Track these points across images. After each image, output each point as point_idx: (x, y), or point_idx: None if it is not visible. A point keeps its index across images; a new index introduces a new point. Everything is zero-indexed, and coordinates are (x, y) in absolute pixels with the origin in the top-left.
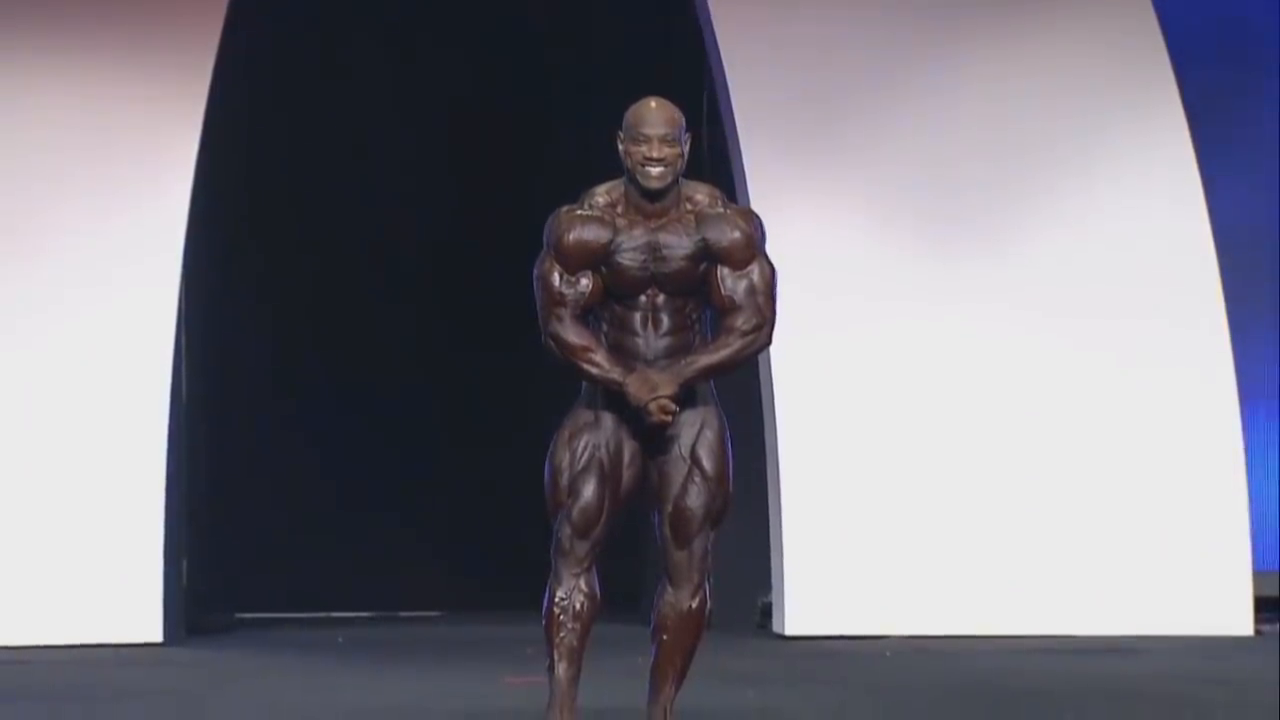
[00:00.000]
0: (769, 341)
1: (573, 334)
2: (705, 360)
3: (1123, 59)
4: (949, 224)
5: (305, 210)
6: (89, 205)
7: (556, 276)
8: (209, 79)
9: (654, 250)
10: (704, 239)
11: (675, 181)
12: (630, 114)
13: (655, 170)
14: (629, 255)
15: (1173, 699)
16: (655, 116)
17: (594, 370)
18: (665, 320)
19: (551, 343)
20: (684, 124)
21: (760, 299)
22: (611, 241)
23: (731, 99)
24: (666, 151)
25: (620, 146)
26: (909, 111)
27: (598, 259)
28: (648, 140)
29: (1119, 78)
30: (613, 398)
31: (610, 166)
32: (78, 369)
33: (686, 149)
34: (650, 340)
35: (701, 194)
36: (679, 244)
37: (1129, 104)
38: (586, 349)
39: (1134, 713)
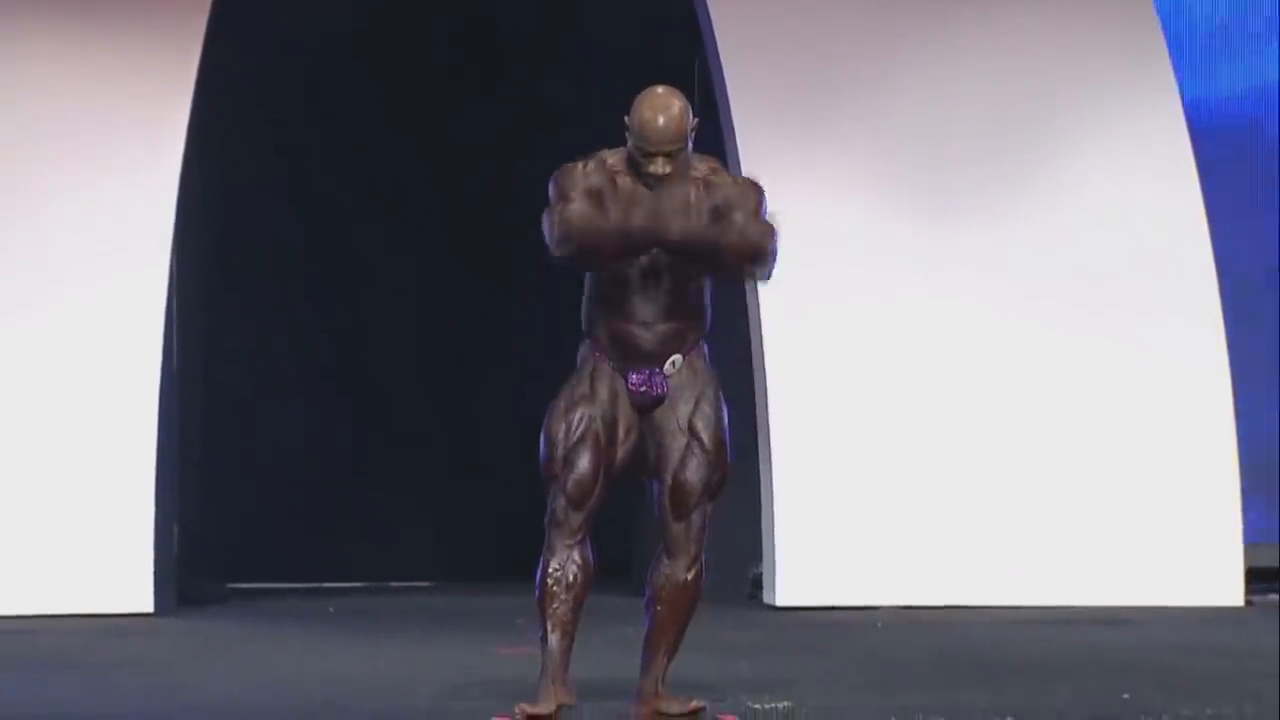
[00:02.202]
0: (772, 244)
1: (582, 206)
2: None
3: (1117, 34)
4: (943, 197)
5: (296, 182)
6: (80, 178)
7: (570, 191)
8: (200, 48)
9: (657, 207)
10: (712, 203)
11: (683, 171)
12: (638, 115)
13: (659, 181)
14: (631, 200)
15: (1166, 670)
16: (662, 133)
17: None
18: (666, 280)
19: (564, 224)
20: (690, 119)
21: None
22: (612, 194)
23: (724, 72)
24: (670, 167)
25: (627, 132)
26: (903, 86)
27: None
28: (652, 157)
29: (1113, 52)
30: (610, 372)
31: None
32: (70, 341)
33: (693, 137)
34: (647, 299)
35: (704, 166)
36: (682, 204)
37: (1123, 79)
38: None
39: (1127, 683)
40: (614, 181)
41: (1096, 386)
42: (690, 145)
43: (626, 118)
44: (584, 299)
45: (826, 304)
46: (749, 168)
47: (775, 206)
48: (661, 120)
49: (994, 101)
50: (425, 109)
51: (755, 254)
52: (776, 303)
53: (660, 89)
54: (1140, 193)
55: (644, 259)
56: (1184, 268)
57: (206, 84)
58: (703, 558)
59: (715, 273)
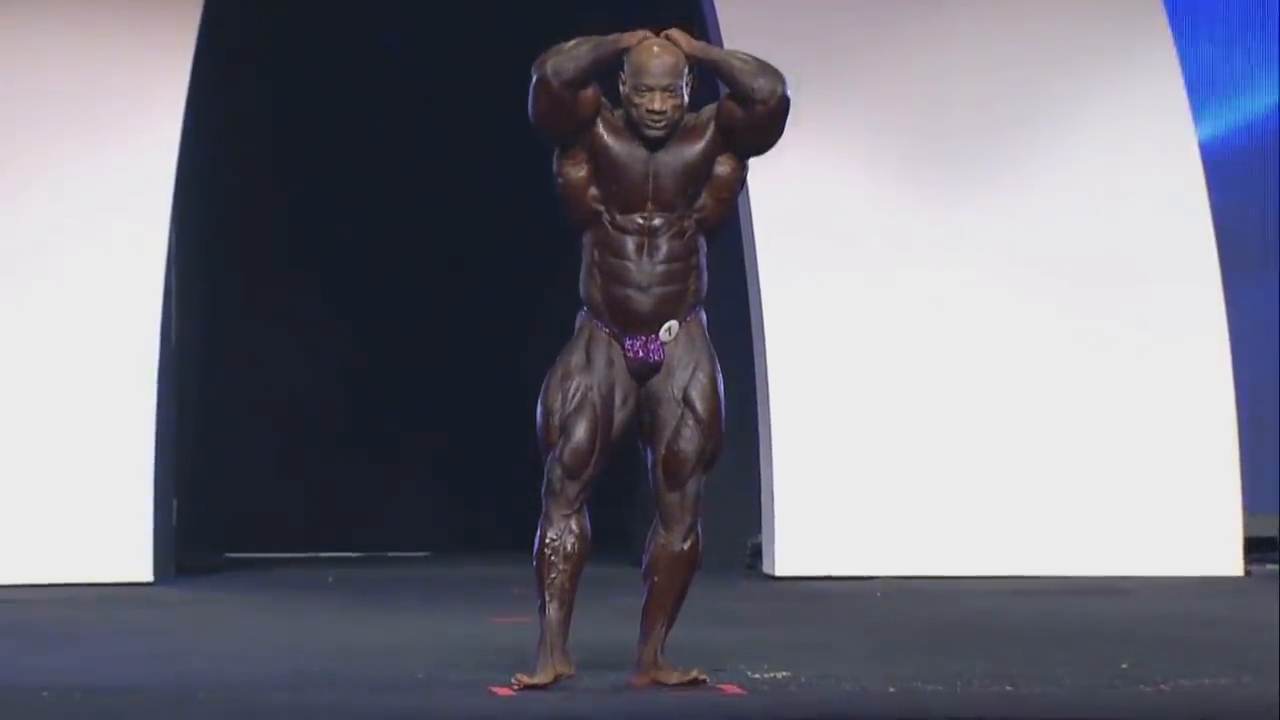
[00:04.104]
0: (784, 86)
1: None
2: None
3: (1117, 3)
4: (939, 168)
5: (295, 149)
6: (77, 146)
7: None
8: (200, 13)
9: (653, 155)
10: (710, 133)
11: (678, 122)
12: (633, 58)
13: (658, 124)
14: (628, 155)
15: (1165, 639)
16: (658, 66)
17: (590, 43)
18: (663, 246)
19: (549, 60)
20: (686, 68)
21: None
22: (606, 126)
23: (722, 44)
24: (669, 103)
25: (622, 89)
26: (898, 56)
27: (595, 114)
28: (650, 91)
29: (1113, 23)
30: (606, 341)
31: None
32: (68, 312)
33: (688, 92)
34: (644, 265)
35: (702, 118)
36: (679, 153)
37: (1123, 50)
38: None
39: (1125, 653)
40: (608, 138)
41: (1095, 356)
42: (686, 96)
43: (621, 72)
44: (581, 265)
45: (825, 275)
46: None
47: (771, 177)
48: (657, 51)
49: (992, 73)
50: (427, 74)
51: (766, 68)
52: (776, 273)
53: (656, 41)
54: (1139, 163)
55: (640, 221)
56: (1183, 236)
57: (205, 52)
58: (699, 527)
59: (730, 85)
